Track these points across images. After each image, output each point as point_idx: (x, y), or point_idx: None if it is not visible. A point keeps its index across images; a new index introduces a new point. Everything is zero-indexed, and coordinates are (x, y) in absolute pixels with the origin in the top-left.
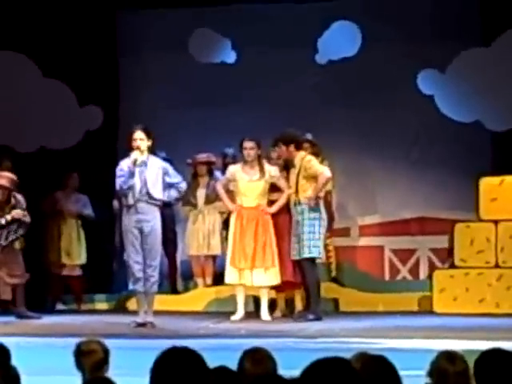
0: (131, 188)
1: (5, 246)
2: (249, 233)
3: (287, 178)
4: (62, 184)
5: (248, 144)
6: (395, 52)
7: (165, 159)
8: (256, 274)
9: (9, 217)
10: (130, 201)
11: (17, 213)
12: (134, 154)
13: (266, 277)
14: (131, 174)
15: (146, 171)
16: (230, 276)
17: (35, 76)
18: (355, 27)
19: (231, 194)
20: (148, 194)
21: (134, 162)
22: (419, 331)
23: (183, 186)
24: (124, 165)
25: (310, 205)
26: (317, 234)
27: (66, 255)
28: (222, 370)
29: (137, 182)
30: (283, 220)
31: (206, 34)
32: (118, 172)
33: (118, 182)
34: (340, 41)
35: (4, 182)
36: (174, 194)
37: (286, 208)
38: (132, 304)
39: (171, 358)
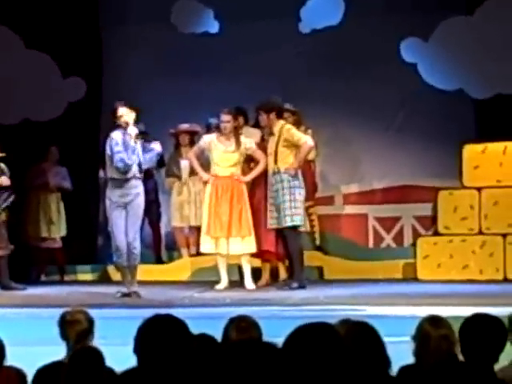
0: (133, 163)
1: None
2: (224, 202)
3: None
4: (44, 157)
5: (225, 117)
6: (378, 21)
7: (143, 132)
8: (232, 243)
9: None
10: (127, 175)
11: (5, 179)
12: (131, 129)
13: (242, 245)
14: (133, 150)
15: (137, 145)
16: (206, 245)
17: (18, 48)
18: None
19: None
20: (140, 168)
21: (130, 137)
22: (403, 298)
23: (158, 147)
24: (118, 138)
25: (291, 173)
26: (298, 202)
27: (46, 228)
28: (205, 337)
29: (133, 156)
30: (260, 190)
31: (188, 4)
32: (115, 147)
33: (119, 157)
34: (323, 10)
35: None
36: (153, 157)
37: (263, 179)
38: (116, 275)
39: (154, 325)
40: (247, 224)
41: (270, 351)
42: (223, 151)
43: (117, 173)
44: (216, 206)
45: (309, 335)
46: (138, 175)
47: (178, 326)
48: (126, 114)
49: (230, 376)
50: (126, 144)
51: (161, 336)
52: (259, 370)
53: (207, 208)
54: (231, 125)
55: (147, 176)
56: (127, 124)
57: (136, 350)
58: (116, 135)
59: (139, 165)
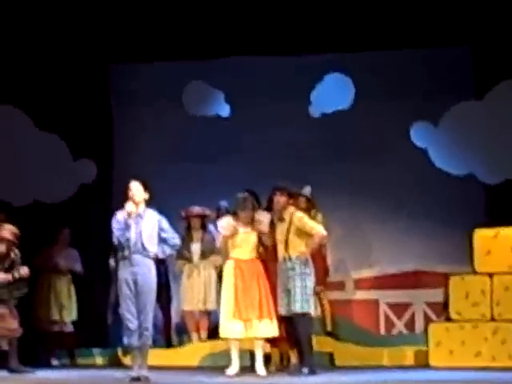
0: (127, 240)
1: (4, 301)
2: (253, 284)
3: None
4: (55, 239)
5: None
6: (388, 105)
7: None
8: (262, 325)
9: (16, 274)
10: (126, 253)
11: (25, 272)
12: (129, 206)
13: (271, 327)
14: (127, 227)
15: (141, 223)
16: (235, 329)
17: (30, 129)
18: (348, 80)
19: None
20: (143, 246)
21: (129, 215)
22: None
23: (177, 242)
24: (120, 216)
25: (302, 261)
26: (308, 288)
27: (57, 311)
28: None
29: (132, 234)
30: (271, 276)
31: (199, 87)
32: (115, 224)
33: (115, 234)
34: (333, 93)
35: (7, 235)
36: (167, 249)
37: (273, 264)
38: (127, 359)
39: None
40: (272, 307)
41: None
42: (243, 233)
43: (120, 251)
44: (245, 287)
45: None
46: (142, 252)
47: None
48: (132, 189)
49: None
50: (125, 220)
51: None
52: None
53: (233, 291)
54: (253, 213)
55: (158, 259)
56: (131, 199)
57: None
58: (120, 212)
59: (142, 244)
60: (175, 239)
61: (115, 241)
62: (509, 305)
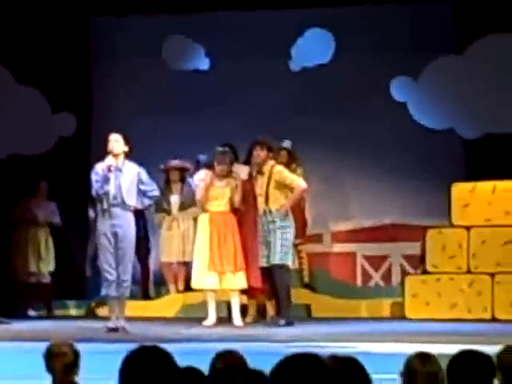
0: (106, 193)
1: None
2: (228, 236)
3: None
4: (33, 192)
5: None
6: (368, 59)
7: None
8: (237, 277)
9: None
10: (105, 206)
11: None
12: (109, 160)
13: (242, 279)
14: (106, 180)
15: (121, 177)
16: (209, 281)
17: (9, 82)
18: (329, 34)
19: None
20: (122, 200)
21: (109, 169)
22: (391, 336)
23: (156, 193)
24: (99, 168)
25: (282, 213)
26: (287, 241)
27: (35, 263)
28: (191, 369)
29: (111, 187)
30: (247, 228)
31: (179, 41)
32: (94, 176)
33: (94, 186)
34: (314, 48)
35: None
36: (146, 201)
37: (251, 216)
38: (103, 310)
39: (140, 356)
40: (242, 259)
41: (257, 379)
42: (219, 187)
43: (99, 203)
44: (220, 240)
45: (296, 365)
46: (121, 205)
47: (163, 358)
48: (111, 141)
49: None
50: (104, 174)
51: (147, 367)
52: None
53: (208, 243)
54: (227, 167)
55: (136, 211)
56: (111, 152)
57: (121, 382)
58: (98, 165)
59: (121, 197)
60: (154, 191)
61: (94, 193)
62: (485, 257)
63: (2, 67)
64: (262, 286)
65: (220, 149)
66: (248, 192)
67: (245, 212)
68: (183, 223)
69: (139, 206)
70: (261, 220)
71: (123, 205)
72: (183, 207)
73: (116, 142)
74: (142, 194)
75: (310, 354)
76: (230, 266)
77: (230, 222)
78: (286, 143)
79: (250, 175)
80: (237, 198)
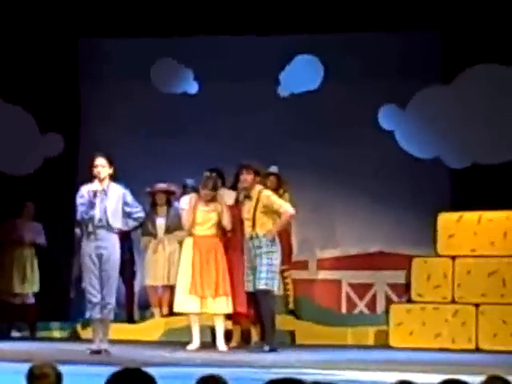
0: (91, 218)
1: None
2: (210, 261)
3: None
4: (19, 212)
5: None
6: (357, 87)
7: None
8: (217, 302)
9: None
10: (90, 228)
11: None
12: (95, 185)
13: (226, 304)
14: (91, 205)
15: (106, 200)
16: (190, 304)
17: None
18: (317, 61)
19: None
20: (107, 222)
21: (95, 194)
22: (375, 364)
23: (141, 215)
24: (85, 191)
25: (269, 239)
26: (274, 266)
27: (19, 283)
28: None
29: (97, 211)
30: (234, 253)
31: (168, 64)
32: (79, 199)
33: (79, 210)
34: (302, 74)
35: None
36: (131, 223)
37: (238, 241)
38: (86, 333)
39: (123, 378)
40: (228, 284)
41: None
42: (203, 211)
43: (84, 226)
44: (202, 264)
45: None
46: (106, 227)
47: (146, 381)
48: (97, 166)
49: None
50: (90, 199)
51: None
52: None
53: (190, 267)
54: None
55: (122, 234)
56: (97, 176)
57: None
58: (84, 187)
59: (107, 220)
60: (139, 213)
61: (79, 217)
62: (470, 288)
63: None
64: (247, 312)
65: (206, 173)
66: (235, 217)
67: (231, 237)
68: (169, 246)
69: (124, 228)
70: (247, 245)
71: (108, 227)
72: (169, 230)
73: (102, 167)
74: (126, 215)
75: (293, 379)
76: (211, 291)
77: (215, 247)
78: (274, 168)
79: (237, 200)
80: (226, 220)
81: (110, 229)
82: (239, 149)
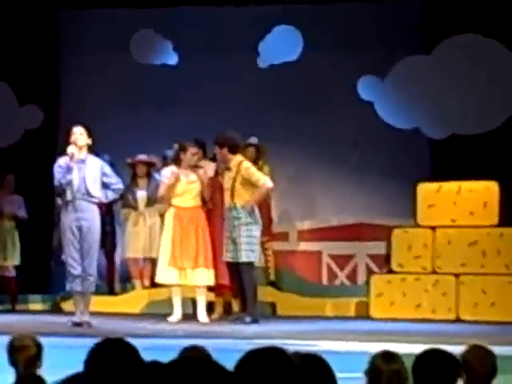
0: (69, 184)
1: None
2: (191, 232)
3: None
4: None
5: (193, 150)
6: (336, 58)
7: (109, 162)
8: (197, 274)
9: None
10: (68, 197)
11: None
12: (71, 149)
13: (206, 276)
14: (69, 169)
15: (84, 169)
16: (170, 276)
17: None
18: (297, 32)
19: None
20: (87, 191)
21: (72, 157)
22: (356, 335)
23: (120, 186)
24: (62, 161)
25: (248, 210)
26: (253, 238)
27: (0, 257)
28: (156, 363)
29: (75, 178)
30: (217, 223)
31: (147, 35)
32: (56, 168)
33: (57, 176)
34: (281, 45)
35: None
36: (110, 194)
37: (220, 212)
38: (68, 305)
39: (106, 348)
40: (210, 256)
41: (220, 372)
42: (186, 182)
43: (63, 196)
44: (182, 236)
45: (262, 358)
46: (86, 197)
47: (129, 351)
48: (75, 133)
49: None
50: (67, 163)
51: (112, 359)
52: None
53: (170, 239)
54: (197, 158)
55: (104, 206)
56: (74, 143)
57: (86, 373)
58: (61, 158)
59: (86, 188)
60: (118, 183)
61: (56, 183)
62: (450, 258)
63: None
64: (229, 284)
65: (186, 144)
66: (215, 189)
67: (212, 209)
68: (150, 219)
69: (103, 200)
70: (226, 215)
71: (88, 197)
72: (150, 203)
73: (80, 135)
74: (105, 186)
75: (275, 348)
76: (191, 263)
77: (197, 218)
78: (253, 139)
79: (217, 172)
80: (204, 191)
81: (90, 199)
82: (219, 120)
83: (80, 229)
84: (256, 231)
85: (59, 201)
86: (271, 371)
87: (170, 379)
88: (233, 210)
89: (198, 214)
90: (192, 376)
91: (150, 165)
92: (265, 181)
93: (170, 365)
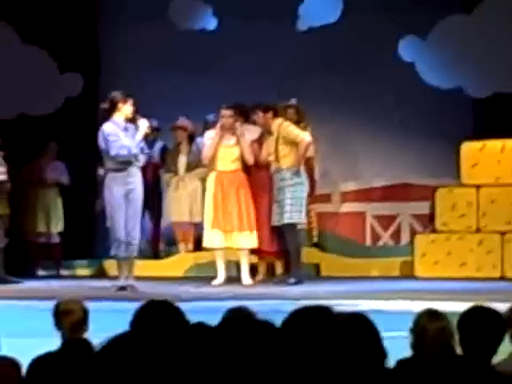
0: (124, 150)
1: None
2: (232, 196)
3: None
4: (42, 152)
5: (226, 112)
6: (376, 19)
7: (156, 129)
8: (241, 237)
9: None
10: (120, 165)
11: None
12: (142, 122)
13: (249, 239)
14: (120, 138)
15: (131, 136)
16: (214, 239)
17: (15, 42)
18: None
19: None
20: (135, 157)
21: (125, 129)
22: (400, 294)
23: (148, 151)
24: (110, 129)
25: (293, 171)
26: (299, 199)
27: (44, 223)
28: (201, 324)
29: (129, 144)
30: (259, 187)
31: (186, 1)
32: (110, 137)
33: (114, 146)
34: (321, 7)
35: None
36: (143, 159)
37: (262, 175)
38: (113, 270)
39: (151, 309)
40: (253, 219)
41: (267, 329)
42: (226, 146)
43: (116, 163)
44: (224, 199)
45: (307, 316)
46: (136, 163)
47: (174, 312)
48: (131, 106)
49: (227, 352)
50: (118, 133)
51: (157, 320)
52: (256, 347)
53: (212, 202)
54: (233, 120)
55: (152, 171)
56: (123, 113)
57: (132, 334)
58: (107, 127)
59: (135, 155)
60: (147, 149)
61: (113, 153)
62: (494, 216)
63: (9, 27)
64: (272, 249)
65: (227, 108)
66: (258, 152)
67: (255, 173)
68: (190, 184)
69: (141, 164)
70: (273, 179)
71: (136, 162)
72: (190, 168)
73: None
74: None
75: (321, 307)
76: (234, 225)
77: (238, 181)
78: (293, 101)
79: (262, 135)
80: (247, 155)
81: (137, 164)
82: (258, 84)
83: (128, 194)
84: (302, 192)
85: (101, 171)
86: (317, 329)
87: (216, 339)
88: (278, 172)
89: (240, 177)
90: (239, 334)
91: (184, 129)
92: (304, 136)
93: (216, 326)
